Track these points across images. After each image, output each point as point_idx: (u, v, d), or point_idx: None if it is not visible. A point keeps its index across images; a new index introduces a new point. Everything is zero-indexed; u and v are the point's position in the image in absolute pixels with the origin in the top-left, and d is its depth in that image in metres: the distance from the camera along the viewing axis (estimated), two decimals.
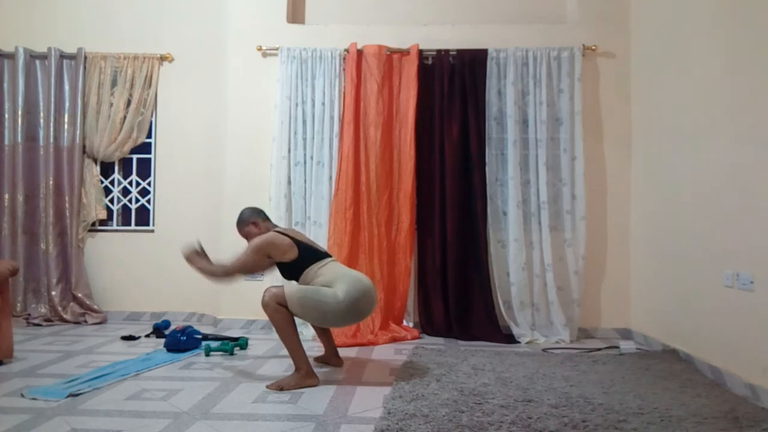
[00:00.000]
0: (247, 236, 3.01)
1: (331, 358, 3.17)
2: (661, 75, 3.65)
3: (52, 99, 4.49)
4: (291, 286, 2.76)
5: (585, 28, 4.17)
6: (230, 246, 4.21)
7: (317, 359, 3.17)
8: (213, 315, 4.36)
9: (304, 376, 2.72)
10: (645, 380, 2.81)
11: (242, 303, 4.23)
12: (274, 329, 2.78)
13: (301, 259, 2.83)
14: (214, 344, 3.48)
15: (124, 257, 4.58)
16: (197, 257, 2.88)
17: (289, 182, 4.16)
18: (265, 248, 2.82)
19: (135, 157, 4.67)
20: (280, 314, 2.70)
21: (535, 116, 4.08)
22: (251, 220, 3.02)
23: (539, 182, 4.04)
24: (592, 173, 4.07)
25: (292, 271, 2.87)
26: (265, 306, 2.71)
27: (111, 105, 4.56)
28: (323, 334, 3.18)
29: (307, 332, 3.96)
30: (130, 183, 4.69)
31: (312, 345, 3.67)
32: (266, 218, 3.08)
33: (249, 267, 2.86)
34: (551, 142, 4.08)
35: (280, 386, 2.67)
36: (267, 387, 2.69)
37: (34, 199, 4.50)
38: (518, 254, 4.00)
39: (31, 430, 2.11)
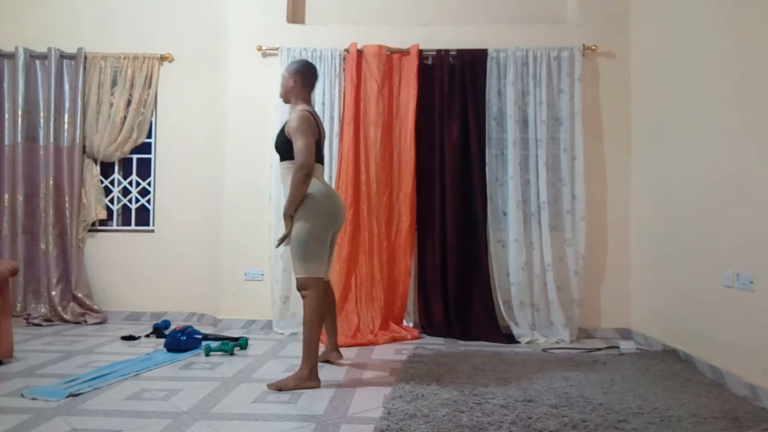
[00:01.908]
0: (283, 85, 2.96)
1: (330, 353, 3.18)
2: (661, 75, 3.65)
3: (52, 99, 4.49)
4: (295, 268, 2.79)
5: (585, 28, 4.17)
6: (231, 246, 4.25)
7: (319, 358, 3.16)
8: (213, 315, 4.36)
9: (306, 377, 2.71)
10: (645, 380, 2.81)
11: (242, 303, 4.23)
12: (303, 317, 2.77)
13: None
14: (214, 344, 3.48)
15: (124, 257, 4.58)
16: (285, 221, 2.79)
17: None
18: (306, 125, 2.77)
19: (135, 157, 4.67)
20: (318, 304, 2.75)
21: (535, 116, 4.08)
22: (294, 77, 2.93)
23: (539, 182, 4.04)
24: (592, 173, 4.07)
25: (289, 152, 2.83)
26: (303, 295, 2.76)
27: (111, 105, 4.56)
28: (330, 326, 3.17)
29: None
30: (130, 183, 4.69)
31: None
32: (308, 84, 2.96)
33: (307, 147, 2.74)
34: (551, 142, 4.08)
35: (278, 386, 2.67)
36: (267, 386, 2.69)
37: (34, 199, 4.50)
38: (518, 254, 4.00)
39: (31, 430, 2.11)
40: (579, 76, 4.05)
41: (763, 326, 2.56)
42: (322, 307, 2.79)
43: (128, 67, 4.56)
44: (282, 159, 2.90)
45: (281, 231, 3.96)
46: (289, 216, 2.76)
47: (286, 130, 2.85)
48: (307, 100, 2.98)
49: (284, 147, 2.86)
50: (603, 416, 2.24)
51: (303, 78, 2.95)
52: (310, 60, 4.18)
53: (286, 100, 3.00)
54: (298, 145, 2.75)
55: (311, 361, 2.73)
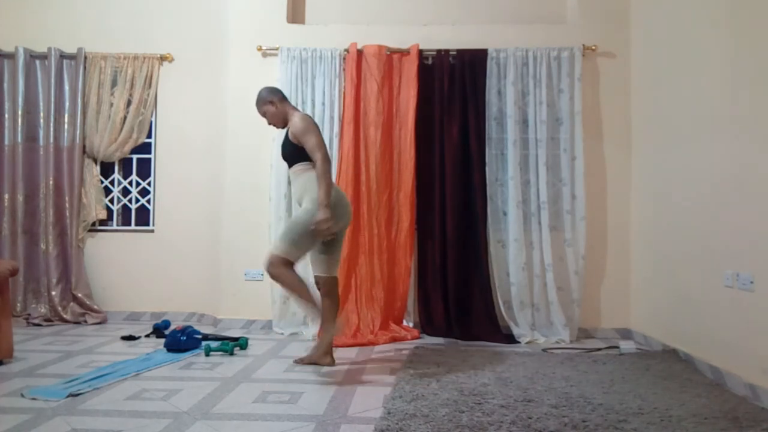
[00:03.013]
0: (265, 114, 3.11)
1: (323, 357, 3.11)
2: (661, 75, 3.65)
3: (52, 99, 4.49)
4: (276, 243, 2.90)
5: (585, 28, 4.16)
6: (231, 246, 4.25)
7: (305, 360, 3.13)
8: (213, 315, 4.36)
9: (325, 350, 3.03)
10: (645, 380, 2.81)
11: (242, 303, 4.23)
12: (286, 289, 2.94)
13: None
14: (214, 344, 3.48)
15: (124, 257, 4.58)
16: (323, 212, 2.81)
17: (289, 182, 4.12)
18: (312, 123, 2.96)
19: (135, 157, 4.67)
20: (286, 274, 2.83)
21: (535, 116, 4.08)
22: (269, 99, 3.08)
23: (539, 182, 4.04)
24: (592, 173, 4.07)
25: (298, 156, 2.95)
26: (272, 274, 2.84)
27: (111, 105, 4.56)
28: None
29: (306, 332, 3.97)
30: (130, 183, 4.69)
31: (311, 345, 3.67)
32: (284, 98, 3.14)
33: (321, 142, 2.92)
34: (551, 142, 4.08)
35: (301, 360, 2.94)
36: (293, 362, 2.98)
37: (34, 199, 4.50)
38: (518, 254, 4.00)
39: (31, 430, 2.11)
40: (579, 76, 4.05)
41: (763, 326, 2.56)
42: (292, 275, 2.86)
43: (128, 67, 4.56)
44: (291, 164, 3.01)
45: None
46: (327, 206, 2.80)
47: (291, 136, 2.95)
48: (294, 107, 3.15)
49: (292, 152, 2.97)
50: (603, 416, 2.24)
51: (276, 95, 3.11)
52: (310, 60, 4.19)
53: (284, 123, 3.08)
54: (312, 141, 2.88)
55: (316, 312, 2.94)
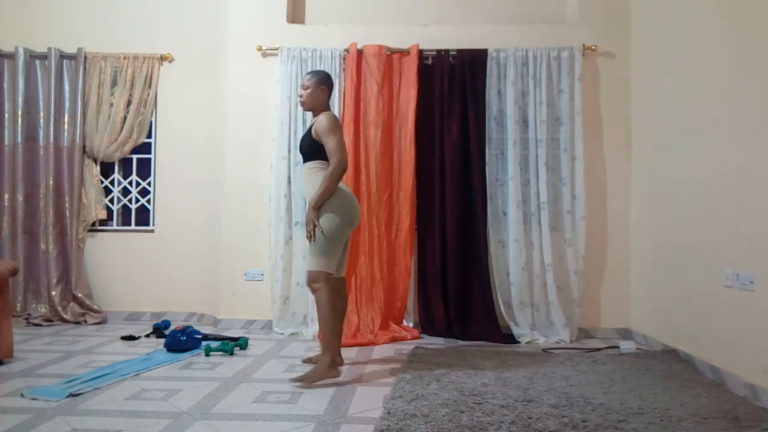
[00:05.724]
0: (307, 90, 2.99)
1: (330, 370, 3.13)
2: (661, 75, 3.65)
3: (52, 99, 4.49)
4: (309, 260, 2.85)
5: (585, 28, 4.16)
6: (231, 246, 4.25)
7: (313, 359, 3.15)
8: (213, 315, 4.36)
9: (327, 366, 2.77)
10: (645, 380, 2.81)
11: (242, 303, 4.23)
12: (318, 314, 2.86)
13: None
14: (214, 344, 3.48)
15: (124, 257, 4.58)
16: (311, 213, 2.82)
17: (289, 182, 4.15)
18: (337, 124, 2.90)
19: (135, 157, 4.67)
20: (327, 295, 2.80)
21: (535, 116, 4.08)
22: (324, 85, 3.01)
23: (539, 182, 4.04)
24: (592, 173, 4.07)
25: (315, 153, 2.90)
26: (313, 289, 2.82)
27: (111, 105, 4.56)
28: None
29: (306, 332, 3.97)
30: (130, 183, 4.69)
31: (312, 345, 3.68)
32: (331, 92, 3.09)
33: (342, 144, 2.86)
34: (551, 142, 4.08)
35: (302, 379, 2.73)
36: (290, 380, 2.75)
37: (34, 199, 4.50)
38: (518, 254, 4.00)
39: (31, 430, 2.11)
40: (579, 76, 4.05)
41: (763, 326, 2.56)
42: (333, 299, 2.84)
43: (128, 67, 4.56)
44: (306, 160, 2.95)
45: (281, 231, 4.04)
46: (317, 208, 2.80)
47: (313, 132, 2.90)
48: (329, 107, 3.09)
49: (309, 148, 2.92)
50: (603, 416, 2.24)
51: (330, 88, 3.06)
52: (310, 60, 4.20)
53: (311, 109, 3.03)
54: (333, 143, 2.83)
55: (332, 351, 2.80)
